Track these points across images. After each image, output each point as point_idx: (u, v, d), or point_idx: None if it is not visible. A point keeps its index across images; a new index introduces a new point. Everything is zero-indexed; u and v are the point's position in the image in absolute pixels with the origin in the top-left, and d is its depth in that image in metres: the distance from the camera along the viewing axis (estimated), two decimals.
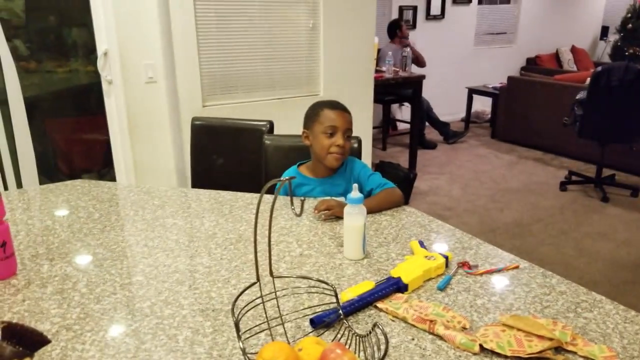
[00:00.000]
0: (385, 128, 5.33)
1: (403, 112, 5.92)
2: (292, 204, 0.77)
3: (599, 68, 3.56)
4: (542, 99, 4.91)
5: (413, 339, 0.87)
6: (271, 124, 2.10)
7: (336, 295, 0.87)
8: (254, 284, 0.85)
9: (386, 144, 5.31)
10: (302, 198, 0.88)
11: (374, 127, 4.37)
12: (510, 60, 6.82)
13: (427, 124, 5.39)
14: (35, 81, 2.78)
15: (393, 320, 0.93)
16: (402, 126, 5.88)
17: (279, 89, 3.18)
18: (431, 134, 5.49)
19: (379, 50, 4.71)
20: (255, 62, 3.05)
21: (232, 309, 0.79)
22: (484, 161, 4.82)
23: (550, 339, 0.81)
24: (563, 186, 4.03)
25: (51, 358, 0.83)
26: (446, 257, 1.11)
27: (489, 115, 6.12)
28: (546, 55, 6.95)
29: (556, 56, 7.04)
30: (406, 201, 4.46)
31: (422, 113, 5.09)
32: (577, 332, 0.88)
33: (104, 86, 2.69)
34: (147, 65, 2.66)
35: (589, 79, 3.72)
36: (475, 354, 0.82)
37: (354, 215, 1.16)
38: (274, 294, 0.91)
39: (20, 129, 2.56)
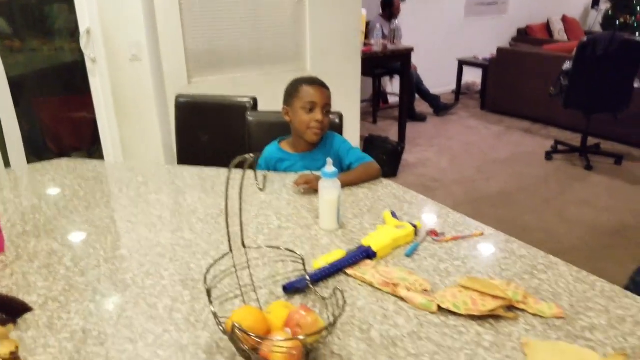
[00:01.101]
0: (375, 101, 5.34)
1: (394, 86, 5.91)
2: (256, 178, 0.81)
3: (584, 38, 3.57)
4: (531, 69, 4.92)
5: (377, 301, 0.93)
6: (255, 100, 2.12)
7: (303, 263, 0.93)
8: (226, 254, 0.90)
9: (377, 118, 5.33)
10: (264, 173, 0.93)
11: (364, 101, 4.39)
12: (501, 31, 6.77)
13: (417, 96, 5.40)
14: (20, 60, 2.77)
15: (360, 285, 0.98)
16: (393, 99, 5.88)
17: (265, 64, 3.18)
18: (421, 106, 5.50)
19: (368, 23, 4.68)
20: (241, 37, 3.04)
21: (205, 277, 0.84)
22: (473, 132, 4.86)
23: (503, 299, 0.87)
24: (549, 156, 4.09)
25: (38, 326, 0.88)
26: (415, 226, 1.16)
27: (480, 87, 6.12)
28: (537, 25, 6.91)
29: (547, 26, 7.00)
30: (394, 173, 4.45)
31: (412, 86, 5.09)
32: (531, 292, 0.94)
33: (88, 65, 2.69)
34: (131, 42, 2.65)
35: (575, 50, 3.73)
36: (432, 313, 0.88)
37: (329, 189, 1.21)
38: (247, 263, 0.96)
39: (6, 109, 2.57)
